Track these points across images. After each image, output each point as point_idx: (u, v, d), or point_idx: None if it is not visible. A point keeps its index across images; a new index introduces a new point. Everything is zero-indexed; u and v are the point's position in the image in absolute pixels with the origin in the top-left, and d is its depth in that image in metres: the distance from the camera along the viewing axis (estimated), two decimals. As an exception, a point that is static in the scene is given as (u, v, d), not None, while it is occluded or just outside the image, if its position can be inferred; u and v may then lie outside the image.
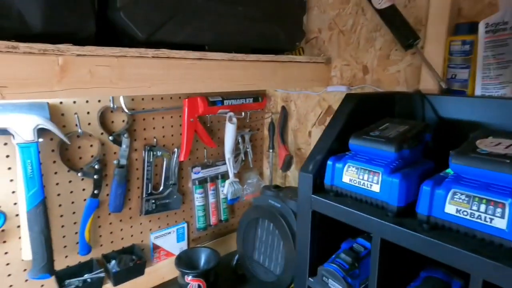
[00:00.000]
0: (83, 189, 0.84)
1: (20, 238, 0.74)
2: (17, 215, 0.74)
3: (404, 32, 0.76)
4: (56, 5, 0.54)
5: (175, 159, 1.01)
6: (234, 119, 1.04)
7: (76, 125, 0.81)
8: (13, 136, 0.67)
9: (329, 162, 0.60)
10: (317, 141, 0.66)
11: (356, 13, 0.91)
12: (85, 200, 0.84)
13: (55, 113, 0.77)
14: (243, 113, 1.11)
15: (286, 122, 1.14)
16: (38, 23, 0.53)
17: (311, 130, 1.10)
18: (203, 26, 0.71)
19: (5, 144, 0.71)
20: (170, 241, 1.05)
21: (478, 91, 0.68)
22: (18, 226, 0.74)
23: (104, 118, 0.86)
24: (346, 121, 0.66)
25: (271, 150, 1.16)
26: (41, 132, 0.71)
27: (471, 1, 0.70)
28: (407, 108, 0.75)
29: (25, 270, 0.77)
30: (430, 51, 0.75)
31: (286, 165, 1.12)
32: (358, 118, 0.67)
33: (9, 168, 0.72)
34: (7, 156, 0.72)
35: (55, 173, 0.79)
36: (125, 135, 0.89)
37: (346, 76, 0.96)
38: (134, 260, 0.93)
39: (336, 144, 0.64)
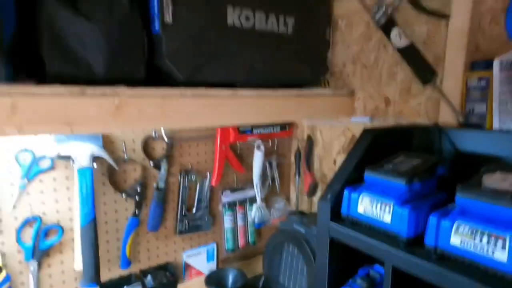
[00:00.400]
0: (126, 209, 0.95)
1: (73, 250, 0.85)
2: (71, 229, 0.85)
3: (422, 68, 0.80)
4: (116, 56, 0.66)
5: (207, 183, 1.09)
6: (262, 147, 1.11)
7: (123, 151, 0.93)
8: (73, 161, 0.79)
9: (345, 192, 0.64)
10: (336, 172, 0.72)
11: (378, 49, 0.97)
12: (127, 218, 0.94)
13: (105, 141, 0.89)
14: (270, 142, 1.19)
15: (312, 150, 1.20)
16: (101, 70, 0.65)
17: (335, 158, 1.14)
18: (235, 67, 0.80)
19: (66, 167, 0.84)
20: (200, 260, 1.12)
21: (496, 125, 0.70)
22: (72, 239, 0.85)
23: (146, 146, 0.98)
24: (363, 154, 0.70)
25: (297, 177, 1.21)
26: (95, 158, 0.83)
27: (488, 39, 0.74)
28: (425, 141, 0.78)
29: (76, 278, 0.87)
30: (448, 85, 0.78)
31: (312, 192, 1.17)
32: (375, 151, 0.72)
33: (68, 188, 0.84)
34: (67, 178, 0.84)
35: (103, 193, 0.91)
36: (164, 161, 1.00)
37: (369, 108, 1.01)
38: (168, 276, 1.00)
39: (353, 174, 0.69)
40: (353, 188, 0.64)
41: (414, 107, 0.90)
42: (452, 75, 0.77)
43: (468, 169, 0.70)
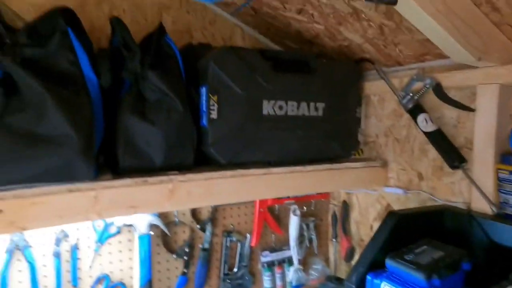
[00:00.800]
0: (176, 268, 1.07)
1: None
2: (131, 286, 0.99)
3: (450, 154, 0.83)
4: (171, 149, 0.81)
5: (247, 243, 1.19)
6: (298, 212, 1.19)
7: (175, 215, 1.07)
8: (134, 228, 0.95)
9: (368, 278, 0.69)
10: (361, 254, 0.76)
11: (409, 126, 1.01)
12: (177, 277, 1.07)
13: (162, 207, 1.05)
14: (305, 208, 1.25)
15: (348, 215, 1.23)
16: (160, 161, 0.80)
17: (372, 224, 1.17)
18: (269, 150, 0.91)
19: (129, 231, 1.00)
20: (240, 318, 1.19)
21: (533, 220, 0.69)
22: (131, 296, 0.99)
23: (194, 210, 1.12)
24: (387, 237, 0.75)
25: (334, 240, 1.24)
26: (152, 225, 0.98)
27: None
28: (457, 225, 0.79)
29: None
30: (478, 174, 0.79)
31: (349, 256, 1.19)
32: (401, 234, 0.75)
33: (129, 249, 1.00)
34: (129, 240, 1.00)
35: (158, 253, 1.05)
36: (209, 223, 1.12)
37: (403, 179, 1.04)
38: (209, 332, 1.09)
39: (378, 257, 0.73)
40: (375, 275, 0.68)
41: (447, 185, 0.91)
42: (483, 164, 0.78)
43: (502, 263, 0.69)
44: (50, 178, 0.66)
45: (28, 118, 0.65)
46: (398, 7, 0.63)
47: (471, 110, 0.79)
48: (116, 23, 0.79)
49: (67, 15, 0.73)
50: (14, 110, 0.64)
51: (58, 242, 0.90)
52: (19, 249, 0.87)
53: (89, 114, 0.68)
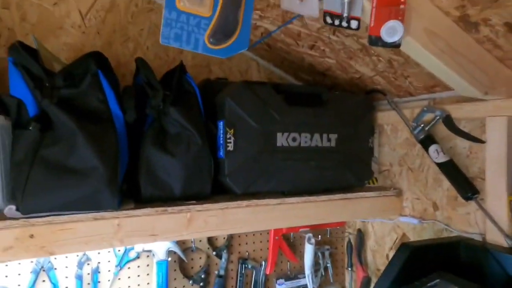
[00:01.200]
0: (191, 294, 1.09)
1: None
2: (148, 311, 1.02)
3: (462, 185, 0.83)
4: (190, 180, 0.85)
5: (262, 271, 1.19)
6: (313, 240, 1.19)
7: (191, 242, 1.10)
8: (153, 254, 0.99)
9: (381, 312, 0.69)
10: (374, 286, 0.76)
11: (423, 155, 1.01)
12: (191, 303, 1.09)
13: (179, 233, 1.08)
14: (320, 236, 1.25)
15: (363, 244, 1.22)
16: (179, 191, 0.84)
17: (388, 253, 1.15)
18: (283, 180, 0.93)
19: (147, 256, 1.04)
20: None
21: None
22: (149, 321, 1.02)
23: (210, 237, 1.14)
24: (400, 270, 0.75)
25: (350, 268, 1.23)
26: (170, 251, 1.01)
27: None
28: (472, 258, 0.78)
29: None
30: (491, 205, 0.79)
31: (365, 286, 1.17)
32: (414, 266, 0.75)
33: (148, 274, 1.03)
34: (147, 265, 1.04)
35: (174, 279, 1.07)
36: (225, 250, 1.14)
37: (418, 209, 1.03)
38: None
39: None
40: (388, 309, 0.68)
41: (463, 216, 0.90)
42: (496, 196, 0.78)
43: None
44: (78, 207, 0.71)
45: (60, 152, 0.71)
46: (403, 48, 0.67)
47: (482, 142, 0.80)
48: (141, 63, 0.86)
49: (98, 58, 0.81)
50: (48, 144, 0.71)
51: (80, 265, 0.95)
52: (44, 270, 0.92)
53: (115, 149, 0.74)
